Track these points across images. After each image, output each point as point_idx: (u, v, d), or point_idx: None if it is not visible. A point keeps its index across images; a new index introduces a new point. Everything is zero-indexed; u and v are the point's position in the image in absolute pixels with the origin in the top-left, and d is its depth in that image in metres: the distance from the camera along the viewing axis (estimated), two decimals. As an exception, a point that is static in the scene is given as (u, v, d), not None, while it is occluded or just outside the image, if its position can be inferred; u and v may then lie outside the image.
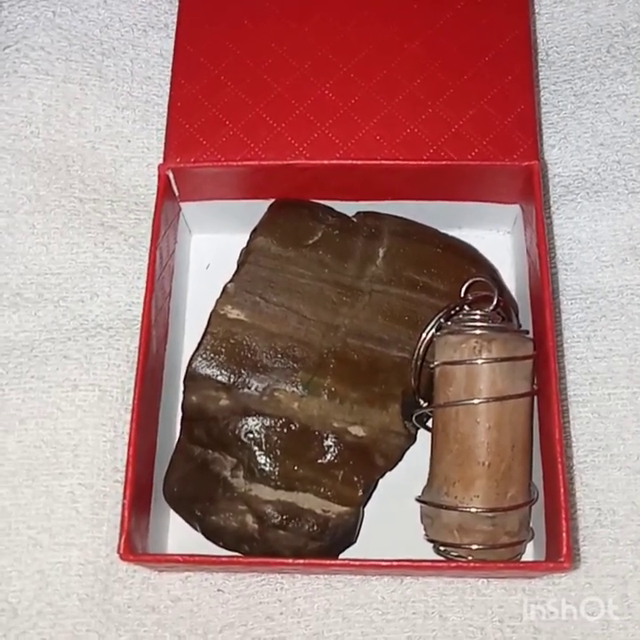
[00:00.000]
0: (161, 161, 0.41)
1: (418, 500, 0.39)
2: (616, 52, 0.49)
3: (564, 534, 0.34)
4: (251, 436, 0.39)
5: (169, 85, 0.42)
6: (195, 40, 0.43)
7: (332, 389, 0.40)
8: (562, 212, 0.46)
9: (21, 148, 0.47)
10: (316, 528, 0.39)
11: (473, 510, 0.36)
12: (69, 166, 0.47)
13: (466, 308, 0.39)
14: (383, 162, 0.41)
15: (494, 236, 0.46)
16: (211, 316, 0.40)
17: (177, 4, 0.44)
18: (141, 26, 0.50)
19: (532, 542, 0.39)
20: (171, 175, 0.41)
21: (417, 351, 0.39)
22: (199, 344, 0.40)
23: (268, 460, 0.39)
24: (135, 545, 0.35)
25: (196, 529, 0.40)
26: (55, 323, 0.44)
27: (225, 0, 0.43)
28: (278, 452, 0.39)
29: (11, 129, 0.47)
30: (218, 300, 0.41)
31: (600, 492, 0.41)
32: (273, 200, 0.43)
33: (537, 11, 0.50)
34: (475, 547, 0.37)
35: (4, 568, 0.40)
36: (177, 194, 0.42)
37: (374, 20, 0.43)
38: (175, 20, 0.44)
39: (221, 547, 0.40)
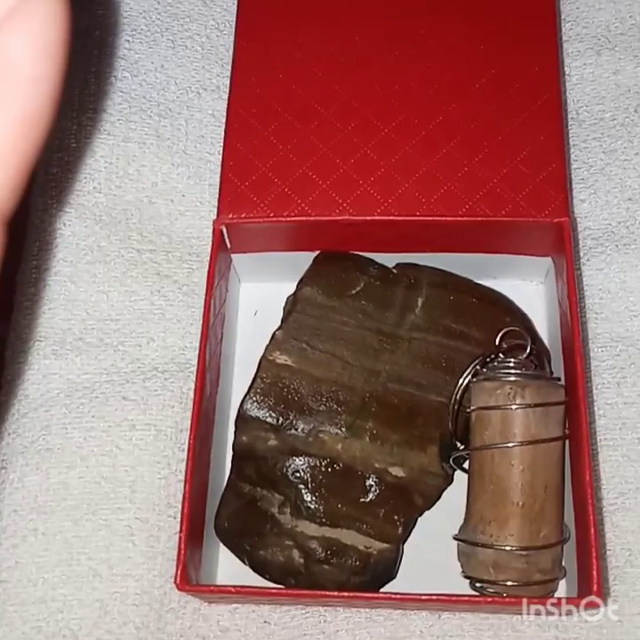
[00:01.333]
0: (213, 214, 0.43)
1: (455, 538, 0.40)
2: (644, 111, 0.50)
3: (595, 572, 0.35)
4: (297, 474, 0.41)
5: (221, 144, 0.44)
6: (246, 103, 0.45)
7: (374, 432, 0.41)
8: (592, 263, 0.47)
9: (84, 202, 0.49)
10: (358, 563, 0.40)
11: (507, 548, 0.38)
12: (128, 219, 0.49)
13: (500, 355, 0.41)
14: (422, 217, 0.42)
15: (527, 286, 0.47)
16: (260, 361, 0.42)
17: (228, 68, 0.46)
18: (195, 88, 0.52)
19: (564, 580, 0.40)
20: (224, 229, 0.43)
21: (454, 396, 0.41)
22: (250, 387, 0.42)
23: (314, 497, 0.41)
24: (190, 576, 0.37)
25: (245, 562, 0.41)
26: (114, 366, 0.46)
27: (274, 65, 0.45)
28: (323, 491, 0.41)
29: (75, 185, 0.50)
30: (267, 347, 0.42)
31: (630, 533, 0.42)
32: (317, 252, 0.45)
33: (567, 72, 0.51)
34: (509, 583, 0.38)
35: (66, 597, 0.41)
36: (229, 246, 0.44)
37: (414, 85, 0.45)
38: (226, 82, 0.46)
39: (268, 580, 0.41)
